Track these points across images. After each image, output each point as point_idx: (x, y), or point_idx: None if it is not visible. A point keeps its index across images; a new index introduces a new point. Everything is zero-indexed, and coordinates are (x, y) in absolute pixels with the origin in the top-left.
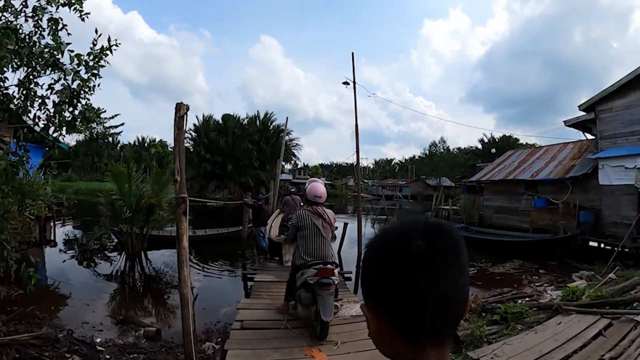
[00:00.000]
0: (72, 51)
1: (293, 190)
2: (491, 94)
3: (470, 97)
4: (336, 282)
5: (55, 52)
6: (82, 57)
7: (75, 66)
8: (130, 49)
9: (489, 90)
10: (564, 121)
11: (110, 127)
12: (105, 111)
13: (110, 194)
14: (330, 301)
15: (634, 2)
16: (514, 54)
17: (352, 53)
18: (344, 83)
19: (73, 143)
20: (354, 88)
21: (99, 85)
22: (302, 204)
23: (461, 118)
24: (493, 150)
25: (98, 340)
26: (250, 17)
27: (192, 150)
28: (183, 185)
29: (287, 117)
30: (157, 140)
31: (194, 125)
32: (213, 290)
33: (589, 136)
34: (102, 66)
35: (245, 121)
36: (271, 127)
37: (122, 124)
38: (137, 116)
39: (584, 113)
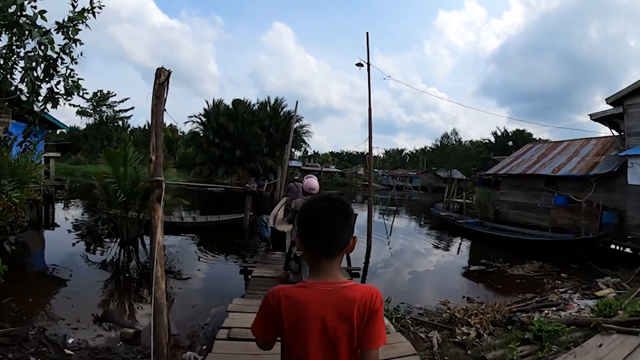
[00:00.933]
0: (44, 11)
1: (297, 177)
2: (505, 88)
3: (483, 90)
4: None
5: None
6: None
7: (54, 31)
8: (142, 34)
9: (503, 83)
10: (589, 115)
11: (120, 110)
12: (115, 95)
13: (103, 176)
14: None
15: None
16: (529, 48)
17: (367, 33)
18: (357, 64)
19: (83, 126)
20: (368, 70)
21: (81, 54)
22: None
23: (473, 111)
24: (510, 143)
25: (70, 341)
26: (263, 2)
27: (201, 135)
28: (159, 166)
29: (297, 102)
30: (167, 125)
31: (204, 109)
32: (207, 284)
33: (615, 132)
34: (79, 30)
35: (256, 107)
36: (282, 113)
37: (132, 108)
38: (148, 101)
39: (610, 107)
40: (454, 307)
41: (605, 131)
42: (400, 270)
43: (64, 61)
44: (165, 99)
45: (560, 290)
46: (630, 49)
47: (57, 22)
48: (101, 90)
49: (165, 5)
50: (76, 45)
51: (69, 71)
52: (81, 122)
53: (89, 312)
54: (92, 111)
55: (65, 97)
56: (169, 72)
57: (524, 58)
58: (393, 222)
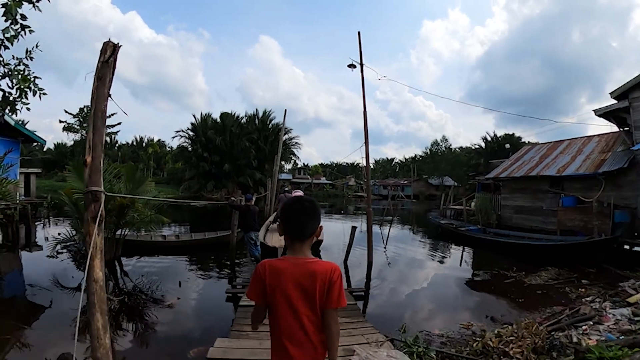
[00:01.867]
0: None
1: (287, 189)
2: (491, 94)
3: (470, 97)
4: None
5: None
6: None
7: None
8: (130, 50)
9: (489, 90)
10: (594, 110)
11: (107, 126)
12: None
13: (71, 192)
14: None
15: (633, 1)
16: (513, 53)
17: (359, 33)
18: (349, 66)
19: (71, 143)
20: (361, 71)
21: (37, 46)
22: None
23: (461, 117)
24: (507, 146)
25: None
26: (249, 17)
27: (190, 149)
28: (96, 171)
29: (285, 110)
30: (155, 139)
31: (192, 124)
32: (189, 315)
33: (617, 127)
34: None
35: (244, 119)
36: (270, 125)
37: (119, 124)
38: (137, 117)
39: (614, 101)
40: (481, 331)
41: (592, 130)
42: (407, 288)
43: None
44: (111, 81)
45: (588, 299)
46: (612, 50)
47: None
48: (87, 106)
49: (152, 20)
50: (25, 34)
51: (17, 63)
52: (68, 139)
53: (45, 350)
54: (78, 127)
55: (18, 98)
56: (116, 47)
57: (508, 64)
58: (389, 232)
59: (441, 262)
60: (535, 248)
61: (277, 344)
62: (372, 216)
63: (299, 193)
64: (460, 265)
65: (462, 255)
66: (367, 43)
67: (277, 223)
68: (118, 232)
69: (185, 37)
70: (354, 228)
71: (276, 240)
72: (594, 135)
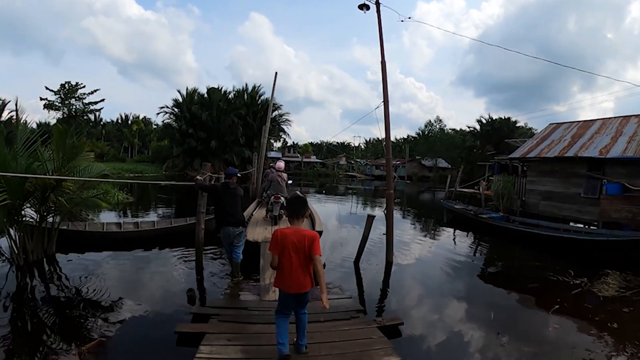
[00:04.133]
0: None
1: (272, 164)
2: (482, 78)
3: (462, 81)
4: (281, 201)
5: None
6: None
7: None
8: (117, 27)
9: (481, 74)
10: None
11: (90, 103)
12: (84, 86)
13: None
14: (278, 207)
15: None
16: (507, 39)
17: None
18: (361, 7)
19: (54, 122)
20: (378, 11)
21: None
22: (279, 175)
23: (452, 101)
24: (525, 123)
25: None
26: None
27: (175, 126)
28: None
29: (275, 73)
30: (140, 117)
31: (175, 100)
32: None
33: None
34: None
35: (232, 94)
36: (259, 101)
37: (103, 100)
38: (125, 95)
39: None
40: None
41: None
42: (441, 300)
43: None
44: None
45: None
46: (607, 41)
47: None
48: (69, 82)
49: None
50: None
51: None
52: (48, 117)
53: None
54: (60, 104)
55: None
56: None
57: (501, 49)
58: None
59: (470, 259)
60: (581, 243)
61: (282, 274)
62: (392, 200)
63: (281, 162)
64: (498, 265)
65: (489, 251)
66: (359, 25)
67: (263, 198)
68: (50, 221)
69: (175, 13)
70: (370, 218)
71: (259, 232)
72: (631, 116)
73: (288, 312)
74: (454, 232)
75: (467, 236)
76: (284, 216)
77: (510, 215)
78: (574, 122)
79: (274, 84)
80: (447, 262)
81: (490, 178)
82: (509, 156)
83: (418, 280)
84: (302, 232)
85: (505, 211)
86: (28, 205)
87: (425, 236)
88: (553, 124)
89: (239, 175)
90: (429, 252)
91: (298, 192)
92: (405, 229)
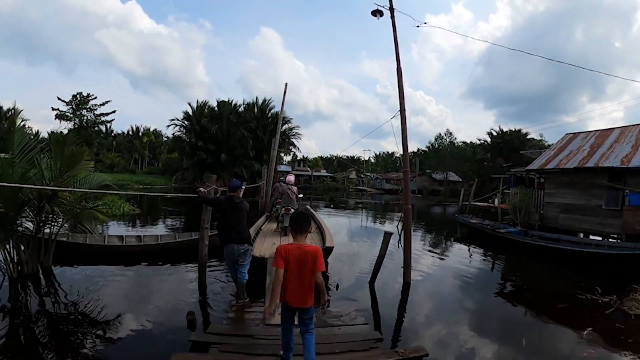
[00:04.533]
0: None
1: (282, 178)
2: (492, 91)
3: (471, 93)
4: (292, 212)
5: None
6: None
7: None
8: (129, 40)
9: (490, 86)
10: None
11: (102, 114)
12: (95, 97)
13: None
14: (288, 218)
15: (638, 2)
16: (515, 50)
17: None
18: (374, 13)
19: (65, 132)
20: (392, 17)
21: None
22: (289, 188)
23: (461, 114)
24: (541, 135)
25: None
26: (250, 7)
27: (185, 139)
28: None
29: (286, 84)
30: (151, 129)
31: (185, 112)
32: None
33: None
34: None
35: (242, 107)
36: (269, 114)
37: (114, 112)
38: (136, 107)
39: None
40: None
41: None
42: (466, 325)
43: None
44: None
45: None
46: (615, 50)
47: None
48: (80, 93)
49: (152, 10)
50: None
51: None
52: (60, 127)
53: None
54: (71, 115)
55: None
56: None
57: (510, 61)
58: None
59: (497, 277)
60: (606, 258)
61: (285, 290)
62: (410, 216)
63: (291, 175)
64: (521, 284)
65: (510, 268)
66: (368, 39)
67: (272, 213)
68: (48, 231)
69: (186, 27)
70: (387, 236)
71: (266, 248)
72: None
73: (290, 325)
74: (470, 248)
75: (484, 252)
76: None
77: (528, 230)
78: (591, 131)
79: (284, 95)
80: (466, 280)
81: (505, 191)
82: (527, 168)
83: (439, 302)
84: (305, 248)
85: (523, 225)
86: (23, 215)
87: (441, 252)
88: (570, 134)
89: (243, 187)
90: (447, 269)
91: (308, 207)
92: (420, 245)
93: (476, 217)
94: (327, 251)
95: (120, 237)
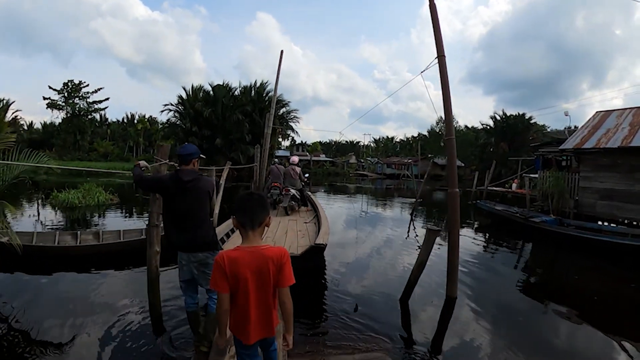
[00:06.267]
0: None
1: (276, 160)
2: (492, 76)
3: (471, 78)
4: (291, 193)
5: None
6: None
7: None
8: (124, 28)
9: (490, 72)
10: None
11: (94, 102)
12: (87, 85)
13: None
14: (287, 198)
15: None
16: (515, 36)
17: None
18: None
19: (58, 121)
20: None
21: None
22: (283, 173)
23: (461, 99)
24: (566, 113)
25: None
26: None
27: (179, 124)
28: None
29: (281, 51)
30: (145, 116)
31: (179, 96)
32: None
33: None
34: None
35: (238, 90)
36: (266, 97)
37: (107, 99)
38: (135, 96)
39: None
40: None
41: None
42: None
43: None
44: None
45: None
46: (615, 38)
47: None
48: (72, 80)
49: None
50: None
51: None
52: (52, 117)
53: None
54: (63, 103)
55: None
56: None
57: (510, 46)
58: (412, 221)
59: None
60: None
61: (236, 318)
62: (458, 206)
63: (295, 156)
64: (579, 288)
65: (560, 267)
66: (367, 23)
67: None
68: None
69: (182, 13)
70: (432, 235)
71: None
72: None
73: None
74: (504, 241)
75: (523, 247)
76: (296, 208)
77: (563, 219)
78: (625, 109)
79: (279, 64)
80: (516, 287)
81: (526, 175)
82: (560, 147)
83: (494, 324)
84: (263, 253)
85: (556, 213)
86: None
87: (473, 249)
88: (601, 111)
89: (202, 157)
90: (491, 273)
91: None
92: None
93: (502, 204)
94: (317, 250)
95: (75, 235)
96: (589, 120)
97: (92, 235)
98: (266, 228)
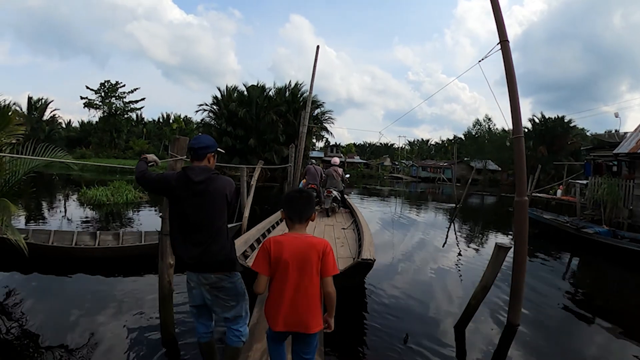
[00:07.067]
0: None
1: (313, 161)
2: (528, 77)
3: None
4: (333, 195)
5: None
6: None
7: None
8: (160, 31)
9: (526, 73)
10: None
11: (130, 102)
12: (124, 85)
13: None
14: (329, 200)
15: None
16: (551, 36)
17: None
18: None
19: (95, 120)
20: None
21: None
22: (323, 172)
23: (494, 102)
24: (616, 114)
25: None
26: None
27: (213, 124)
28: None
29: (317, 46)
30: (181, 116)
31: (214, 97)
32: None
33: None
34: None
35: (272, 91)
36: (301, 98)
37: (143, 99)
38: (170, 97)
39: None
40: None
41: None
42: None
43: None
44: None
45: None
46: None
47: None
48: (108, 81)
49: (182, 1)
50: None
51: None
52: (89, 116)
53: None
54: (100, 103)
55: None
56: None
57: (546, 46)
58: (450, 229)
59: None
60: None
61: (274, 302)
62: (526, 216)
63: (336, 157)
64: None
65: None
66: (401, 24)
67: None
68: None
69: (216, 16)
70: (501, 252)
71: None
72: None
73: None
74: (558, 255)
75: (574, 259)
76: (337, 209)
77: (616, 230)
78: None
79: (315, 59)
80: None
81: (571, 181)
82: (614, 151)
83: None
84: (307, 240)
85: (609, 224)
86: None
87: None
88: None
89: (220, 151)
90: (547, 288)
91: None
92: (486, 252)
93: (550, 212)
94: (364, 266)
95: (70, 234)
96: None
97: (111, 236)
98: (342, 232)
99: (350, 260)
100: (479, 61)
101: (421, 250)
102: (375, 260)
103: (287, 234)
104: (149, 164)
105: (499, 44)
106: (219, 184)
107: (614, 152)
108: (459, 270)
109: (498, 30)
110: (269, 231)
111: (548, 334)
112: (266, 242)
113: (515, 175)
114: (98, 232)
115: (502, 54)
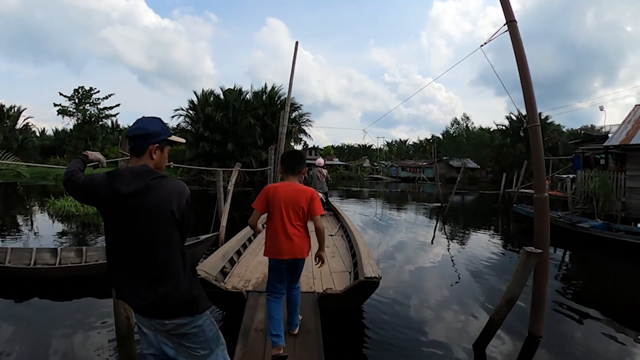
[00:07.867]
0: None
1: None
2: (503, 77)
3: (481, 80)
4: (320, 197)
5: None
6: None
7: None
8: (135, 36)
9: (501, 73)
10: None
11: (105, 108)
12: (98, 91)
13: None
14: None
15: None
16: (526, 35)
17: None
18: None
19: (69, 127)
20: None
21: None
22: (307, 174)
23: (472, 101)
24: (601, 107)
25: None
26: None
27: (190, 129)
28: None
29: (296, 42)
30: None
31: (190, 101)
32: None
33: None
34: None
35: (249, 94)
36: (278, 101)
37: (118, 105)
38: (146, 103)
39: None
40: None
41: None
42: None
43: None
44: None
45: None
46: (626, 35)
47: None
48: (82, 87)
49: (157, 5)
50: None
51: None
52: (63, 123)
53: None
54: (74, 110)
55: None
56: None
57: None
58: (436, 227)
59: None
60: None
61: (272, 237)
62: (547, 215)
63: (321, 159)
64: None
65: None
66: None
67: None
68: None
69: (192, 20)
70: (531, 260)
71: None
72: None
73: (281, 290)
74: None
75: (579, 257)
76: (324, 214)
77: (610, 223)
78: None
79: (295, 55)
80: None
81: (557, 176)
82: (605, 144)
83: None
84: (297, 187)
85: (604, 217)
86: None
87: (490, 250)
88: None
89: (180, 140)
90: (560, 295)
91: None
92: (485, 252)
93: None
94: (368, 286)
95: (29, 252)
96: (630, 114)
97: (74, 253)
98: (331, 250)
99: (346, 275)
100: (481, 46)
101: (416, 253)
102: (381, 278)
103: (282, 183)
104: (91, 164)
105: (506, 25)
106: (160, 196)
107: (605, 144)
108: (459, 276)
109: (504, 11)
110: (250, 241)
111: (574, 344)
112: (266, 188)
113: (533, 167)
114: (59, 248)
115: (510, 35)
